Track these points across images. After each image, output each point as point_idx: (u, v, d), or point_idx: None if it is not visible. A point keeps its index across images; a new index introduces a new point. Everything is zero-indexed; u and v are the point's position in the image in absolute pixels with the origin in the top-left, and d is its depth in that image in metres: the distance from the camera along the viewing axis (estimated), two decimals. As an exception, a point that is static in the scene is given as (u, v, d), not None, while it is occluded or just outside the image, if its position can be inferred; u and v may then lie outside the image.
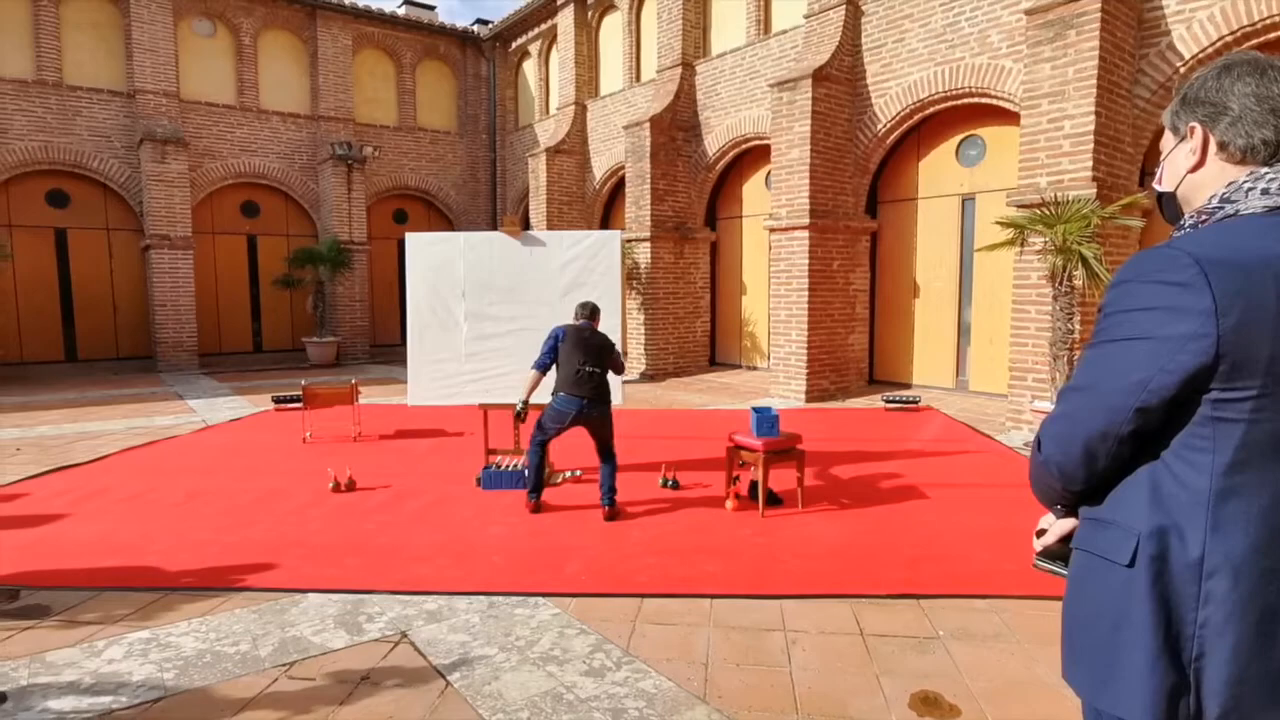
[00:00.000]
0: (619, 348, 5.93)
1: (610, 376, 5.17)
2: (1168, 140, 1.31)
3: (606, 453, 4.98)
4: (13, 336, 13.27)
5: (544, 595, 3.66)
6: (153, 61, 13.68)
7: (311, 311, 15.17)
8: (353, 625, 3.34)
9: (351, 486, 5.59)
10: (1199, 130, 1.21)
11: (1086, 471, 1.19)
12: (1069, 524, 1.37)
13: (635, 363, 12.42)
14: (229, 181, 14.91)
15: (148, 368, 13.95)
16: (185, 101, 14.21)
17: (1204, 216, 1.17)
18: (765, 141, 10.95)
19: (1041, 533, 1.42)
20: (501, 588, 3.76)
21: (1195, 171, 1.23)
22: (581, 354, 4.97)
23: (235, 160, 14.85)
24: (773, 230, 9.98)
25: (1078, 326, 6.65)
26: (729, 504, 5.09)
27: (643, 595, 3.66)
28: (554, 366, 5.02)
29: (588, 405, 4.90)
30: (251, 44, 14.94)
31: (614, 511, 4.88)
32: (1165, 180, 1.31)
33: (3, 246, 12.19)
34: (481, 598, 3.63)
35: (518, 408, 5.08)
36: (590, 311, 5.24)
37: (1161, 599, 1.09)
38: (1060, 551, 1.37)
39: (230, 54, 14.86)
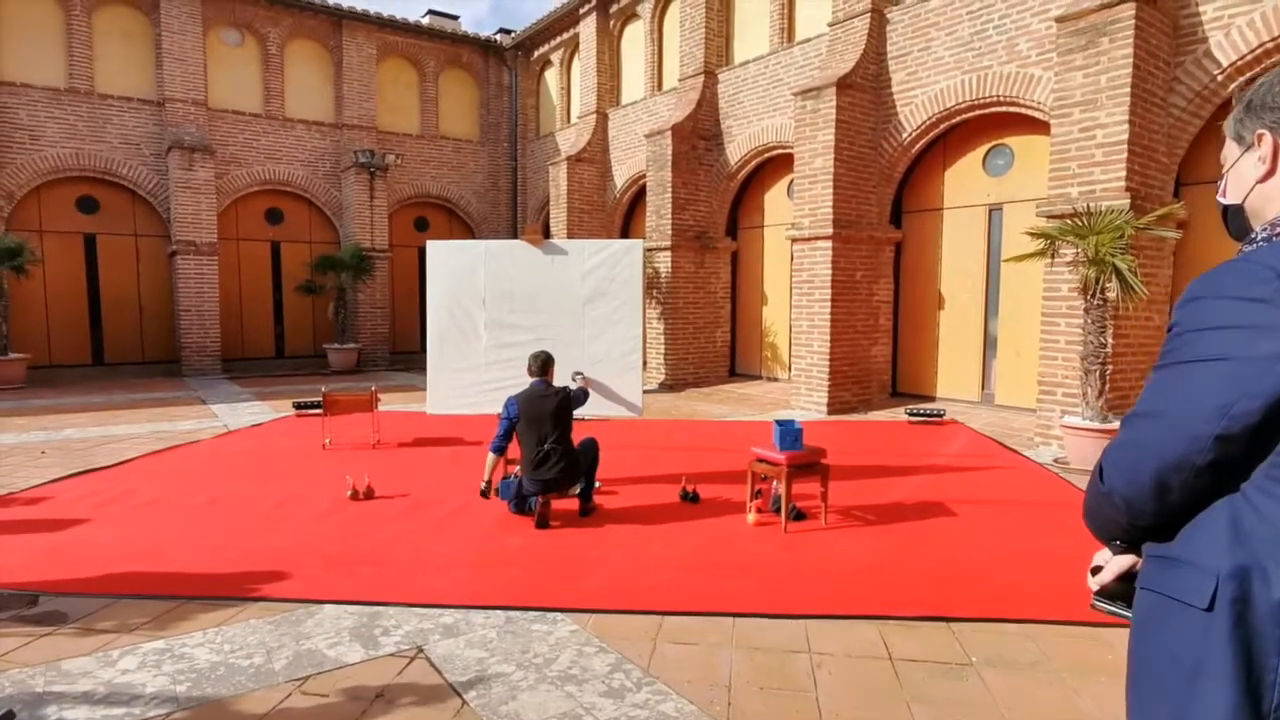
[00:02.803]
0: (639, 355, 5.88)
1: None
2: (1231, 150, 1.23)
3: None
4: (42, 340, 13.48)
5: (562, 611, 3.58)
6: (182, 70, 13.89)
7: (333, 318, 15.27)
8: (368, 638, 3.29)
9: (370, 494, 5.56)
10: (1269, 138, 1.14)
11: (1157, 505, 1.09)
12: (1127, 560, 1.27)
13: (654, 372, 12.35)
14: (254, 188, 15.09)
15: (172, 371, 14.11)
16: (213, 110, 14.42)
17: (1278, 229, 1.09)
18: (788, 150, 10.86)
19: (1097, 570, 1.32)
20: (519, 602, 3.69)
21: (1265, 181, 1.15)
22: (538, 429, 4.89)
23: (260, 167, 15.03)
24: (795, 240, 9.89)
25: (1110, 340, 6.48)
26: (750, 518, 4.99)
27: (663, 613, 3.57)
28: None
29: (557, 484, 4.91)
30: (278, 53, 15.14)
31: (588, 509, 5.19)
32: (1230, 192, 1.23)
33: (33, 251, 12.41)
34: (499, 612, 3.57)
35: (481, 487, 5.01)
36: (543, 364, 5.08)
37: (1243, 645, 1.00)
38: (1119, 590, 1.27)
39: (257, 63, 15.06)
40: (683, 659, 3.13)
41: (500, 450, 5.01)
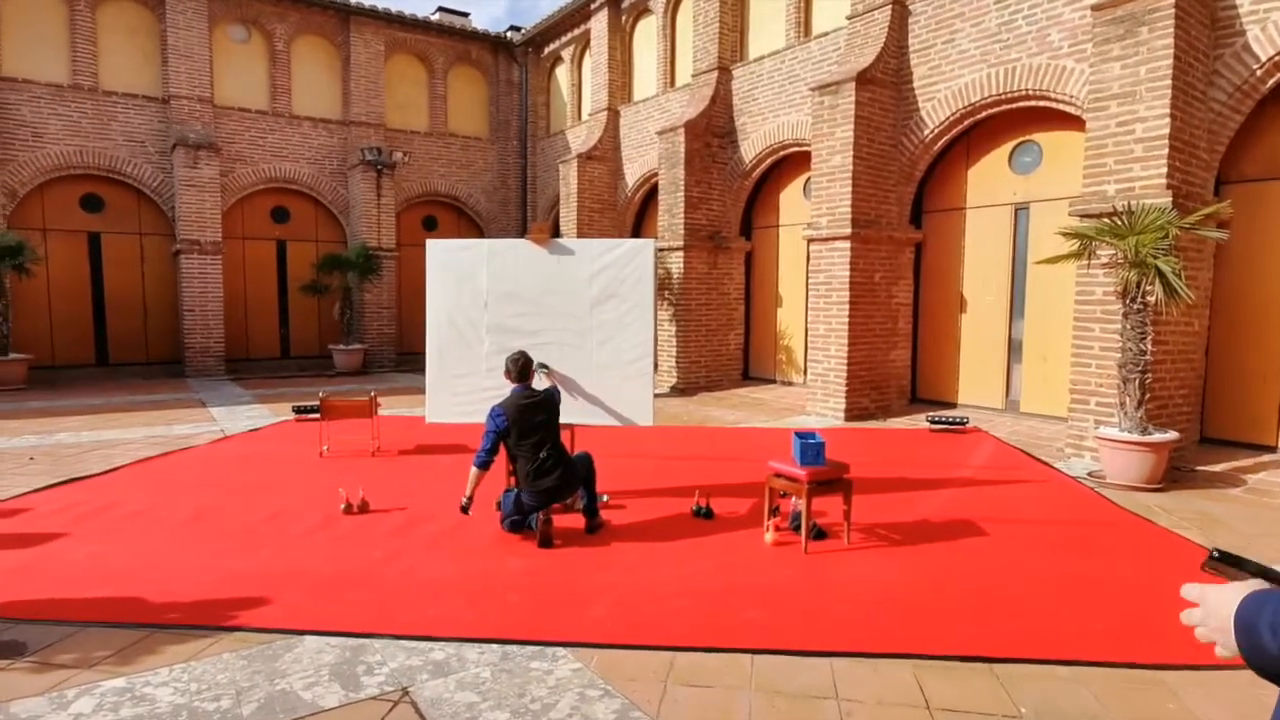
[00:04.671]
0: (650, 361, 5.56)
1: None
2: None
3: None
4: (45, 339, 13.31)
5: (564, 645, 3.26)
6: (187, 67, 13.69)
7: (338, 318, 15.03)
8: (349, 678, 2.98)
9: (364, 508, 5.27)
10: None
11: None
12: None
13: (666, 376, 12.02)
14: (260, 187, 14.87)
15: (176, 372, 13.91)
16: (218, 107, 14.21)
17: None
18: (804, 148, 10.51)
19: None
20: (517, 633, 3.38)
21: None
22: (531, 438, 4.61)
23: (266, 165, 14.81)
24: (812, 240, 9.54)
25: (1150, 347, 6.10)
26: (768, 536, 4.67)
27: (675, 649, 3.24)
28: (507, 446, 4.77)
29: (557, 493, 4.64)
30: (285, 50, 14.92)
31: (596, 524, 4.88)
32: None
33: (35, 250, 12.23)
34: (494, 646, 3.25)
35: (463, 503, 4.62)
36: (522, 369, 4.74)
37: None
38: None
39: (264, 60, 14.84)
40: (697, 705, 2.81)
41: (485, 465, 4.63)
